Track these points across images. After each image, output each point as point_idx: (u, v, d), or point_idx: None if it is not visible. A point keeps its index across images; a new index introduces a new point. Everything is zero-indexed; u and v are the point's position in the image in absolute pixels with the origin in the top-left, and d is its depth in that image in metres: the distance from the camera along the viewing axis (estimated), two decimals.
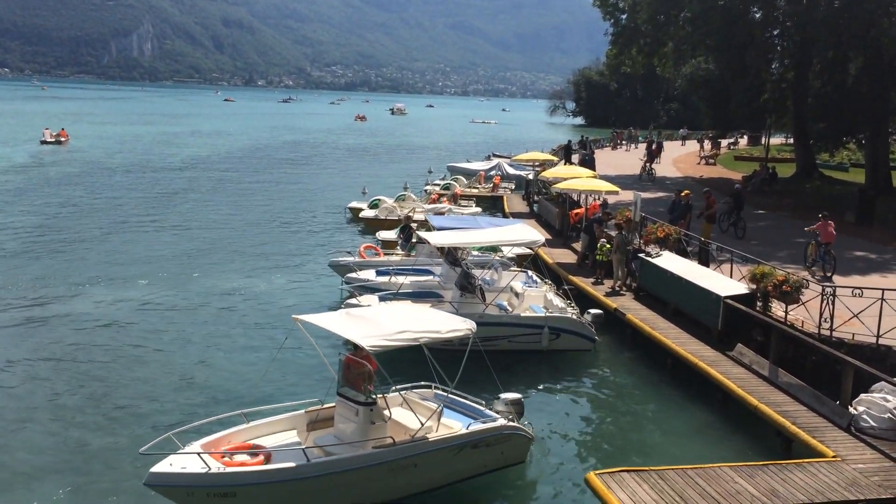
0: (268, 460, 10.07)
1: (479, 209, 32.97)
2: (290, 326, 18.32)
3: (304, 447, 10.28)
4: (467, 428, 11.18)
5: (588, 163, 38.54)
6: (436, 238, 18.55)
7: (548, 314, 17.35)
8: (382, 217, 31.03)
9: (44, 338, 17.13)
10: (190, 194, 39.96)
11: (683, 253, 20.03)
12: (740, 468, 10.68)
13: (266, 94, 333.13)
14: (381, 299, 17.37)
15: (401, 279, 18.81)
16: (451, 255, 18.89)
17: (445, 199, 34.76)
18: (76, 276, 22.31)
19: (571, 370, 16.37)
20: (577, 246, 23.81)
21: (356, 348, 10.86)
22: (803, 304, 15.50)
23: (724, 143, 67.07)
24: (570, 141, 52.06)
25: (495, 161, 47.98)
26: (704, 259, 19.91)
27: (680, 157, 58.00)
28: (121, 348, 16.67)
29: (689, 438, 13.33)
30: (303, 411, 11.48)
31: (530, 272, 20.28)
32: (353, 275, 20.14)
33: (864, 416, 11.97)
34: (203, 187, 42.82)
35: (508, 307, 17.96)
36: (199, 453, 9.74)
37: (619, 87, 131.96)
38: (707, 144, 60.11)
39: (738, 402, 13.42)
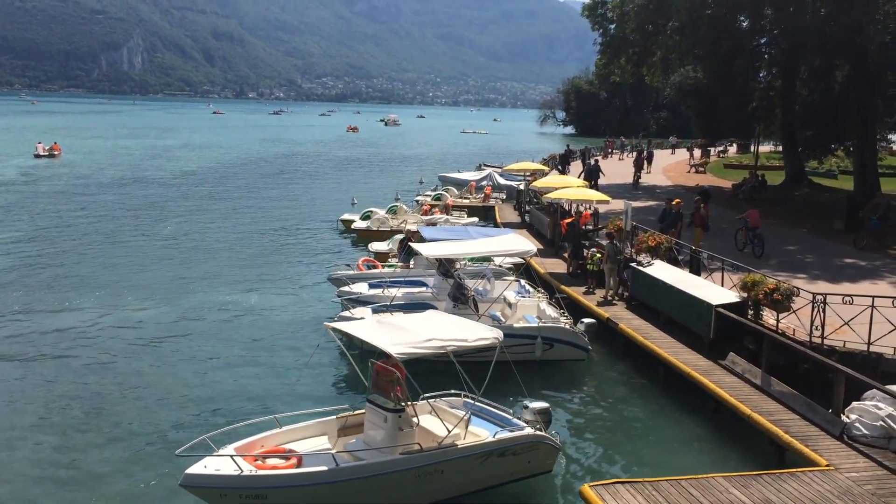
0: (299, 464, 10.36)
1: (475, 219, 33.01)
2: (301, 335, 18.59)
3: (333, 452, 10.53)
4: (494, 436, 11.29)
5: (593, 172, 38.62)
6: (427, 249, 18.55)
7: (541, 324, 17.35)
8: (374, 228, 31.04)
9: (67, 350, 17.21)
10: (182, 207, 39.86)
11: (675, 262, 20.07)
12: (734, 478, 10.68)
13: (257, 107, 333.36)
14: (374, 311, 17.36)
15: (393, 291, 18.78)
16: (443, 267, 18.89)
17: (437, 209, 34.81)
18: (89, 290, 22.23)
19: (565, 380, 16.37)
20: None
21: (386, 355, 10.95)
22: (794, 311, 15.54)
23: (714, 151, 67.42)
24: (568, 146, 52.10)
25: (486, 171, 48.11)
26: (696, 268, 19.96)
27: (670, 166, 58.25)
28: (143, 359, 16.98)
29: (683, 449, 13.32)
30: (333, 417, 11.76)
31: (523, 282, 20.29)
32: (346, 288, 20.12)
33: (857, 425, 11.99)
34: (195, 200, 42.73)
35: (502, 318, 17.94)
36: (232, 456, 10.04)
37: (609, 96, 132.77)
38: (697, 153, 60.39)
39: (731, 412, 13.43)
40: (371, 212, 32.57)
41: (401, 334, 11.22)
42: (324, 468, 10.12)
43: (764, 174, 40.35)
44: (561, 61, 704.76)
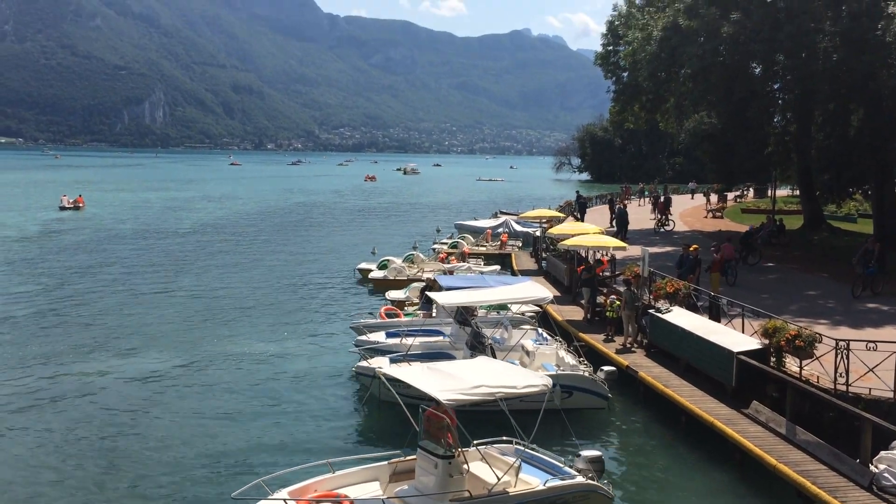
0: None
1: (496, 267, 32.97)
2: (322, 384, 18.55)
3: (384, 498, 10.68)
4: (545, 484, 11.20)
5: (622, 217, 38.52)
6: (444, 297, 18.54)
7: (559, 372, 17.19)
8: (391, 277, 31.11)
9: (93, 403, 17.30)
10: (202, 258, 40.22)
11: (694, 308, 19.90)
12: None
13: (275, 158, 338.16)
14: (392, 361, 17.35)
15: (410, 340, 18.73)
16: (460, 315, 18.86)
17: (454, 257, 34.87)
18: (112, 342, 22.39)
19: (584, 429, 16.10)
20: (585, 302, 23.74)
21: (436, 402, 10.97)
22: (817, 358, 15.30)
23: (731, 195, 67.30)
24: (578, 192, 52.06)
25: (502, 218, 48.15)
26: (715, 314, 19.76)
27: (687, 211, 58.13)
28: (170, 409, 17.09)
29: (707, 500, 13.03)
30: (385, 462, 11.80)
31: (540, 330, 20.18)
32: (364, 337, 20.14)
33: (886, 475, 11.68)
34: (215, 251, 43.13)
35: (520, 366, 17.79)
36: (285, 500, 10.21)
37: (624, 142, 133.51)
38: (713, 198, 60.30)
39: (757, 462, 13.15)
40: (388, 261, 32.69)
41: (450, 381, 11.29)
42: None
43: (782, 218, 40.18)
44: (575, 109, 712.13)
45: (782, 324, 16.12)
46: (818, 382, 15.07)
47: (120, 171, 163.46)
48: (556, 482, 11.21)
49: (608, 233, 36.06)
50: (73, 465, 14.02)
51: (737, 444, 13.75)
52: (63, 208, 65.97)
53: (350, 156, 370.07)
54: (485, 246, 40.57)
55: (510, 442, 12.42)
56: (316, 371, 20.09)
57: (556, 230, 31.60)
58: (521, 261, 36.44)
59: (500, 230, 43.73)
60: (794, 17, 29.11)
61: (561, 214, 42.81)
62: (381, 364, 16.99)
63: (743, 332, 17.55)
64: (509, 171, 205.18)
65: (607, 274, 26.24)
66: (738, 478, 13.54)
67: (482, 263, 34.50)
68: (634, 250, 27.64)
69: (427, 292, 22.37)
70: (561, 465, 11.89)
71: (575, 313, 23.74)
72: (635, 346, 19.79)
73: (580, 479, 11.41)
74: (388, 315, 22.88)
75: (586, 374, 17.09)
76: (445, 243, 39.98)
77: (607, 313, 21.03)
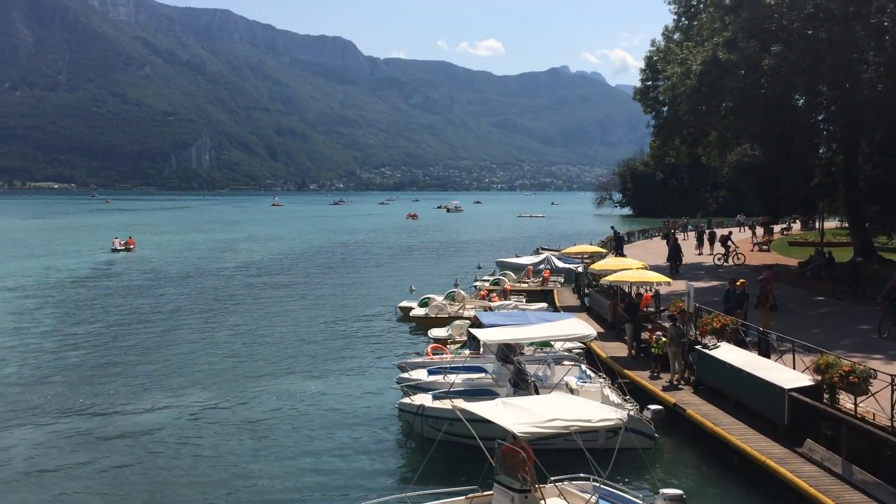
0: None
1: (543, 305, 32.77)
2: (368, 422, 18.57)
3: None
4: None
5: (675, 251, 38.17)
6: (487, 334, 18.47)
7: None
8: (433, 315, 31.12)
9: (154, 439, 17.53)
10: (247, 298, 40.79)
11: (742, 344, 19.47)
12: None
13: (318, 198, 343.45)
14: (435, 398, 17.33)
15: (452, 377, 18.67)
16: (502, 352, 18.74)
17: (495, 294, 34.79)
18: (162, 382, 22.76)
19: (631, 470, 15.75)
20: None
21: (511, 436, 11.00)
22: (873, 395, 14.79)
23: (777, 228, 66.12)
24: (613, 228, 51.40)
25: (544, 255, 47.88)
26: (764, 350, 19.29)
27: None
28: (225, 448, 17.28)
29: None
30: (463, 497, 11.82)
31: (584, 367, 19.93)
32: (406, 374, 20.14)
33: None
34: (258, 291, 43.72)
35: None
36: None
37: (665, 176, 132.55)
38: (759, 231, 59.29)
39: (812, 503, 12.69)
40: (429, 298, 32.74)
41: (524, 414, 11.26)
42: None
43: (831, 251, 39.26)
44: (615, 143, 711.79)
45: (835, 359, 15.65)
46: (874, 420, 14.55)
47: (168, 213, 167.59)
48: None
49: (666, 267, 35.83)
50: (120, 501, 14.19)
51: (791, 485, 13.31)
52: (115, 250, 68.26)
53: (391, 194, 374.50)
54: (526, 282, 40.41)
55: (587, 479, 12.23)
56: (358, 408, 20.12)
57: (598, 266, 31.34)
58: (563, 297, 36.18)
59: (542, 266, 43.50)
60: (837, 48, 28.80)
61: (603, 250, 42.51)
62: (423, 401, 17.04)
63: (794, 368, 17.08)
64: (550, 207, 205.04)
65: (651, 309, 25.88)
66: None
67: (524, 300, 34.38)
68: (679, 285, 27.25)
69: (470, 329, 22.30)
70: (640, 503, 11.65)
71: (619, 350, 23.41)
72: (682, 383, 19.39)
73: None
74: (435, 353, 22.84)
75: (631, 412, 16.78)
76: (487, 280, 39.93)
77: (652, 349, 20.69)
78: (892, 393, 14.04)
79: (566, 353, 21.96)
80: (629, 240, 62.03)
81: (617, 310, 25.89)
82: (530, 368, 18.70)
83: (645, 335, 22.53)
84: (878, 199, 35.97)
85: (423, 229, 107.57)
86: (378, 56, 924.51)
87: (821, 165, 39.45)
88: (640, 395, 18.56)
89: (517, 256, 51.47)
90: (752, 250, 52.29)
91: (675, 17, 41.59)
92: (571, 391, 18.19)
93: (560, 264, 44.19)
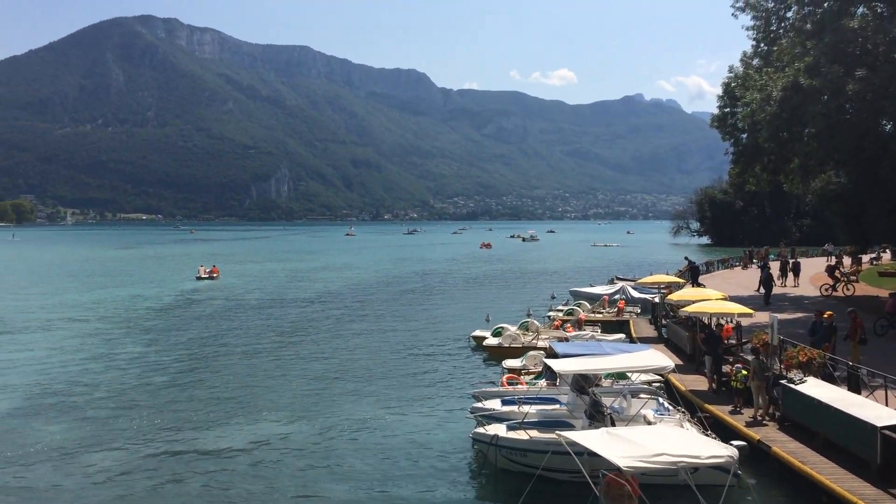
0: None
1: (621, 335, 32.23)
2: (444, 452, 18.62)
3: None
4: None
5: (768, 282, 37.25)
6: (562, 365, 18.30)
7: None
8: (506, 345, 31.01)
9: (230, 466, 17.97)
10: (322, 326, 41.57)
11: (830, 378, 18.69)
12: None
13: (392, 227, 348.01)
14: (509, 428, 17.25)
15: (526, 408, 18.55)
16: (577, 383, 18.52)
17: (569, 325, 34.44)
18: (239, 406, 23.42)
19: None
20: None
21: (616, 468, 10.91)
22: None
23: (866, 258, 63.40)
24: (686, 258, 50.02)
25: (619, 284, 47.10)
26: (854, 385, 18.48)
27: (818, 275, 55.07)
28: (302, 473, 17.48)
29: None
30: None
31: (662, 399, 19.48)
32: (479, 404, 20.11)
33: None
34: (333, 319, 44.49)
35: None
36: None
37: (746, 204, 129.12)
38: (846, 261, 56.95)
39: None
40: (502, 328, 32.65)
41: (631, 448, 11.14)
42: None
43: None
44: (692, 171, 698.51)
45: None
46: None
47: (248, 243, 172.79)
48: None
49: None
50: None
51: None
52: (199, 278, 70.95)
53: (464, 224, 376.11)
54: (601, 313, 39.85)
55: None
56: (431, 437, 20.15)
57: (676, 296, 30.70)
58: (639, 328, 35.51)
59: (617, 297, 42.83)
60: None
61: (680, 280, 41.59)
62: (497, 431, 16.99)
63: (887, 404, 16.30)
64: (624, 237, 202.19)
65: (732, 342, 25.13)
66: None
67: (599, 330, 33.91)
68: (761, 317, 26.43)
69: (545, 359, 22.14)
70: None
71: (699, 383, 22.78)
72: (767, 418, 18.71)
73: None
74: (510, 383, 22.74)
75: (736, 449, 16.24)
76: (561, 310, 39.58)
77: (733, 383, 20.07)
78: None
79: (643, 386, 21.52)
80: (708, 269, 60.55)
81: (696, 342, 25.26)
82: (606, 400, 18.40)
83: (726, 368, 21.88)
84: None
85: (497, 258, 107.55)
86: (451, 87, 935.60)
87: None
88: (722, 431, 17.99)
89: (591, 286, 50.79)
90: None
91: (754, 42, 40.79)
92: (649, 425, 17.80)
93: (636, 294, 43.36)
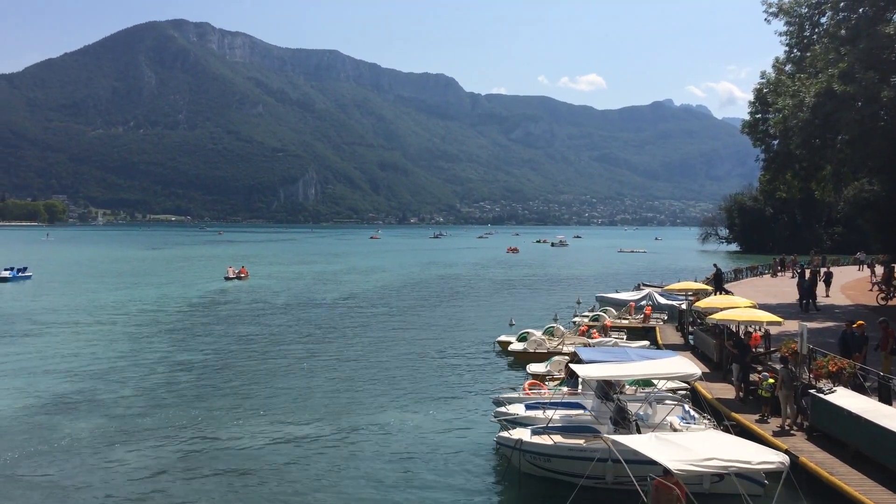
0: None
1: (645, 342, 31.92)
2: (463, 458, 18.63)
3: None
4: None
5: (810, 289, 36.79)
6: (587, 370, 18.20)
7: None
8: (531, 350, 30.91)
9: (250, 466, 18.13)
10: (346, 328, 41.73)
11: (860, 389, 18.39)
12: None
13: (418, 231, 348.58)
14: (534, 433, 17.21)
15: (551, 413, 18.48)
16: (602, 389, 18.41)
17: (595, 331, 34.24)
18: (275, 407, 23.62)
19: None
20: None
21: (665, 472, 10.86)
22: None
23: None
24: (716, 265, 49.08)
25: (645, 291, 46.75)
26: (885, 396, 18.15)
27: (849, 284, 54.26)
28: (324, 475, 17.54)
29: None
30: None
31: (687, 407, 19.30)
32: (503, 409, 20.07)
33: None
34: (358, 322, 44.65)
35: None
36: None
37: (776, 211, 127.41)
38: (879, 269, 55.96)
39: None
40: (527, 333, 32.56)
41: (681, 451, 11.14)
42: None
43: None
44: (721, 178, 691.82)
45: None
46: None
47: (275, 245, 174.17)
48: None
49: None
50: None
51: None
52: (228, 278, 71.96)
53: (490, 228, 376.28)
54: (627, 319, 39.56)
55: None
56: (454, 441, 20.15)
57: (703, 303, 30.37)
58: (665, 335, 35.20)
59: (644, 303, 42.53)
60: None
61: (708, 287, 41.16)
62: (522, 435, 16.95)
63: None
64: (651, 243, 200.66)
65: (761, 350, 24.82)
66: None
67: (624, 337, 33.68)
68: (790, 325, 26.07)
69: (569, 364, 22.04)
70: None
71: (726, 391, 22.53)
72: (794, 428, 18.45)
73: None
74: (532, 389, 22.63)
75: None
76: (587, 316, 39.36)
77: (760, 392, 19.81)
78: None
79: (668, 394, 21.32)
80: (736, 277, 59.85)
81: (724, 349, 24.98)
82: (631, 407, 18.27)
83: (754, 377, 21.61)
84: None
85: (523, 263, 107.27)
86: (479, 92, 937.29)
87: None
88: (748, 440, 17.75)
89: (618, 292, 50.50)
90: (870, 290, 49.39)
91: (787, 48, 40.37)
92: (675, 431, 17.64)
93: (663, 301, 43.03)
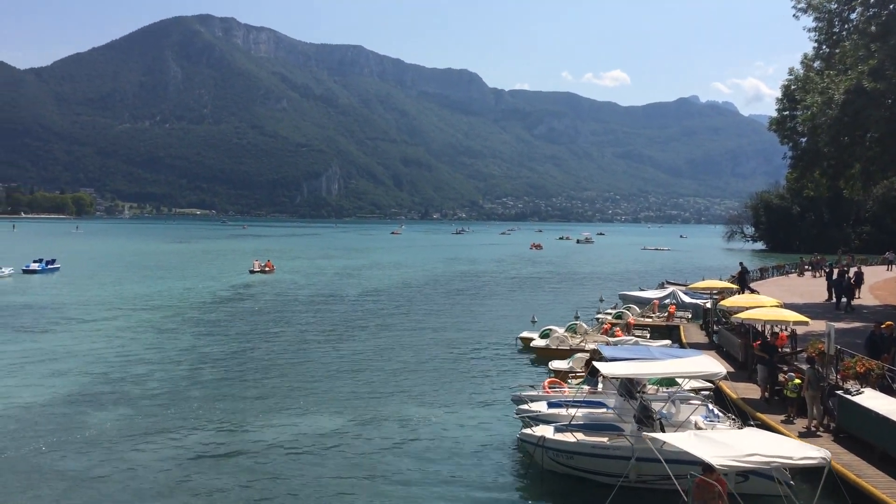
0: None
1: (667, 341, 31.65)
2: (484, 454, 18.68)
3: None
4: None
5: (849, 288, 36.18)
6: (610, 368, 18.15)
7: None
8: (553, 347, 30.86)
9: (272, 459, 18.32)
10: (368, 323, 41.91)
11: (888, 390, 18.16)
12: None
13: (440, 227, 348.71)
14: (557, 430, 17.20)
15: (573, 410, 18.46)
16: (625, 387, 18.34)
17: (618, 328, 34.09)
18: (297, 401, 23.83)
19: None
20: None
21: (706, 470, 10.91)
22: None
23: None
24: (741, 263, 48.33)
25: (669, 289, 46.40)
26: None
27: (878, 284, 53.49)
28: (345, 470, 17.64)
29: None
30: None
31: (711, 406, 19.18)
32: (525, 406, 20.07)
33: None
34: (380, 317, 44.83)
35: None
36: None
37: (803, 210, 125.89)
38: None
39: None
40: (550, 330, 32.51)
41: (721, 448, 11.20)
42: None
43: None
44: (747, 175, 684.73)
45: None
46: None
47: (299, 239, 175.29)
48: None
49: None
50: None
51: None
52: (252, 271, 72.82)
53: (512, 224, 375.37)
54: (651, 317, 39.33)
55: None
56: (476, 437, 20.17)
57: (728, 302, 30.13)
58: (689, 333, 34.95)
59: (668, 301, 42.24)
60: None
61: (733, 286, 40.80)
62: (545, 432, 16.95)
63: None
64: (676, 240, 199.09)
65: (787, 350, 24.57)
66: None
67: (647, 336, 33.48)
68: (817, 325, 25.79)
69: (593, 362, 21.96)
70: None
71: (751, 391, 22.34)
72: (821, 429, 18.27)
73: None
74: (551, 388, 22.58)
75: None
76: (610, 314, 39.19)
77: (785, 392, 19.64)
78: None
79: (691, 394, 21.17)
80: (762, 276, 59.25)
81: (749, 349, 24.76)
82: (655, 405, 18.19)
83: (780, 377, 21.40)
84: None
85: (546, 260, 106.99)
86: (503, 88, 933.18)
87: None
88: None
89: (641, 290, 50.19)
90: None
91: (816, 44, 39.78)
92: (699, 430, 17.54)
93: (687, 299, 42.72)
